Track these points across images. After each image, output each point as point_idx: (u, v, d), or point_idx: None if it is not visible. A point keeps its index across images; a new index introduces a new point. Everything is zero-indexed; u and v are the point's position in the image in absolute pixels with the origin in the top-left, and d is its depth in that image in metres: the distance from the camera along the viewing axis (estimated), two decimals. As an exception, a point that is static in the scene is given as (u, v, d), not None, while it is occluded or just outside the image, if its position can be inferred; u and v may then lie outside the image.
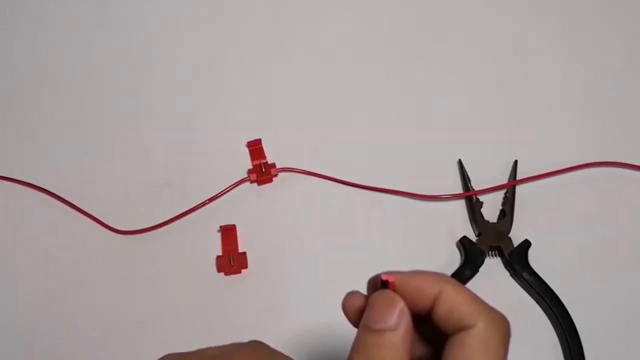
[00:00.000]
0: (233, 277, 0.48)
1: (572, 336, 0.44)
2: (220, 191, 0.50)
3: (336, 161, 0.52)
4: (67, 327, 0.46)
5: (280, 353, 0.29)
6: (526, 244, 0.48)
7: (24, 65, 0.58)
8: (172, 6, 0.61)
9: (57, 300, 0.47)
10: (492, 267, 0.48)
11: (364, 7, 0.61)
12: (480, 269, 0.47)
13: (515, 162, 0.52)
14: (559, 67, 0.57)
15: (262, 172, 0.51)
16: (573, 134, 0.54)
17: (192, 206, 0.50)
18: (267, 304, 0.47)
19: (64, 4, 0.61)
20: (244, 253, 0.48)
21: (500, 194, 0.51)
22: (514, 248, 0.48)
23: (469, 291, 0.26)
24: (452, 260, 0.48)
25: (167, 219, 0.49)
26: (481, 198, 0.50)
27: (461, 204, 0.51)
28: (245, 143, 0.53)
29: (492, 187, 0.51)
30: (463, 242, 0.48)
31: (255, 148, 0.52)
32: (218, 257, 0.48)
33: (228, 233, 0.49)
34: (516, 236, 0.48)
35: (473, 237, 0.49)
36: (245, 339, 0.31)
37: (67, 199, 0.51)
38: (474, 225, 0.49)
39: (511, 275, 0.48)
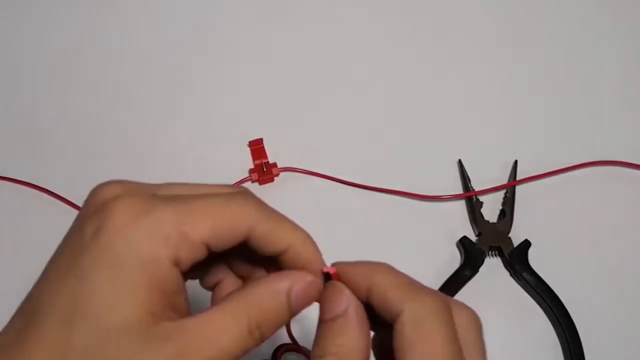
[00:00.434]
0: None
1: (572, 336, 0.44)
2: (221, 191, 0.50)
3: (337, 161, 0.52)
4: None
5: (284, 217, 0.27)
6: (526, 244, 0.48)
7: (24, 66, 0.58)
8: (173, 6, 0.61)
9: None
10: (492, 267, 0.48)
11: (364, 8, 0.61)
12: (480, 269, 0.47)
13: (515, 162, 0.52)
14: (558, 67, 0.58)
15: (264, 171, 0.51)
16: (573, 133, 0.54)
17: (192, 206, 0.50)
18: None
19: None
20: (245, 253, 0.48)
21: (500, 194, 0.51)
22: (514, 248, 0.48)
23: (398, 277, 0.25)
24: (452, 260, 0.48)
25: (167, 219, 0.49)
26: (481, 198, 0.50)
27: (461, 204, 0.51)
28: (247, 143, 0.53)
29: (492, 187, 0.51)
30: (463, 242, 0.48)
31: (257, 148, 0.52)
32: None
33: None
34: (516, 236, 0.48)
35: (473, 237, 0.49)
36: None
37: (68, 198, 0.51)
38: (474, 225, 0.49)
39: (511, 275, 0.48)
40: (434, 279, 0.47)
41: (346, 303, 0.25)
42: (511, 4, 0.61)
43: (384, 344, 0.26)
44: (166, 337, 0.22)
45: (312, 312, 0.27)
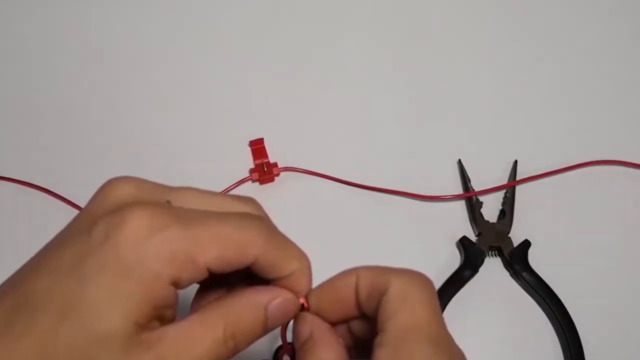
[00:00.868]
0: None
1: (572, 336, 0.44)
2: (222, 191, 0.50)
3: (337, 161, 0.52)
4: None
5: (278, 231, 0.28)
6: (526, 244, 0.48)
7: (24, 65, 0.58)
8: (173, 5, 0.61)
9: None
10: (492, 267, 0.48)
11: (365, 8, 0.61)
12: (480, 269, 0.47)
13: (515, 162, 0.52)
14: (558, 66, 0.58)
15: (264, 171, 0.51)
16: (573, 133, 0.54)
17: (193, 206, 0.50)
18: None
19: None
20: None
21: (500, 194, 0.51)
22: (514, 248, 0.48)
23: (379, 266, 0.27)
24: (452, 260, 0.48)
25: (168, 219, 0.49)
26: (481, 198, 0.50)
27: (461, 204, 0.51)
28: (248, 142, 0.53)
29: (492, 187, 0.51)
30: (463, 242, 0.48)
31: (258, 147, 0.52)
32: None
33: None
34: (516, 236, 0.48)
35: (473, 237, 0.49)
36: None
37: (68, 198, 0.51)
38: (474, 225, 0.50)
39: (511, 275, 0.48)
40: (434, 279, 0.46)
41: (310, 327, 0.27)
42: (511, 3, 0.61)
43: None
44: (145, 347, 0.23)
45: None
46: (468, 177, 0.51)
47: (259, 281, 0.27)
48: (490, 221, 0.49)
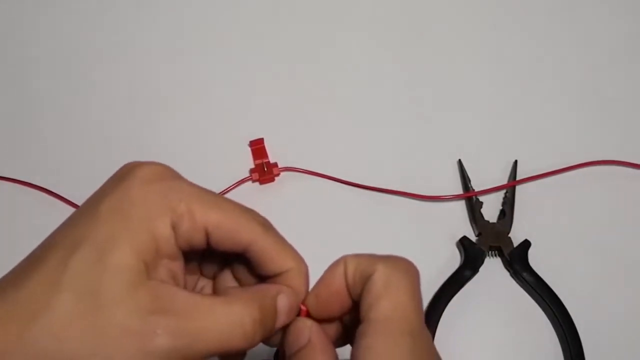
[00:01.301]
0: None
1: (572, 336, 0.44)
2: (222, 190, 0.50)
3: (337, 161, 0.52)
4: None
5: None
6: (526, 244, 0.48)
7: (24, 66, 0.58)
8: (173, 5, 0.61)
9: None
10: (492, 267, 0.48)
11: (365, 8, 0.61)
12: (480, 269, 0.47)
13: (515, 162, 0.52)
14: (558, 66, 0.58)
15: (264, 171, 0.51)
16: (573, 133, 0.54)
17: (193, 206, 0.50)
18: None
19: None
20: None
21: (500, 194, 0.51)
22: (514, 248, 0.48)
23: (364, 254, 0.27)
24: (452, 260, 0.48)
25: (168, 219, 0.49)
26: (481, 198, 0.50)
27: (461, 204, 0.51)
28: (248, 142, 0.53)
29: (492, 187, 0.51)
30: (463, 242, 0.48)
31: (258, 147, 0.52)
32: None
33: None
34: (516, 236, 0.48)
35: (473, 237, 0.49)
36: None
37: (68, 198, 0.51)
38: (474, 226, 0.50)
39: (511, 275, 0.48)
40: (434, 279, 0.47)
41: (308, 333, 0.27)
42: (511, 3, 0.61)
43: None
44: (162, 312, 0.23)
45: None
46: (468, 177, 0.51)
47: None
48: (491, 221, 0.49)
